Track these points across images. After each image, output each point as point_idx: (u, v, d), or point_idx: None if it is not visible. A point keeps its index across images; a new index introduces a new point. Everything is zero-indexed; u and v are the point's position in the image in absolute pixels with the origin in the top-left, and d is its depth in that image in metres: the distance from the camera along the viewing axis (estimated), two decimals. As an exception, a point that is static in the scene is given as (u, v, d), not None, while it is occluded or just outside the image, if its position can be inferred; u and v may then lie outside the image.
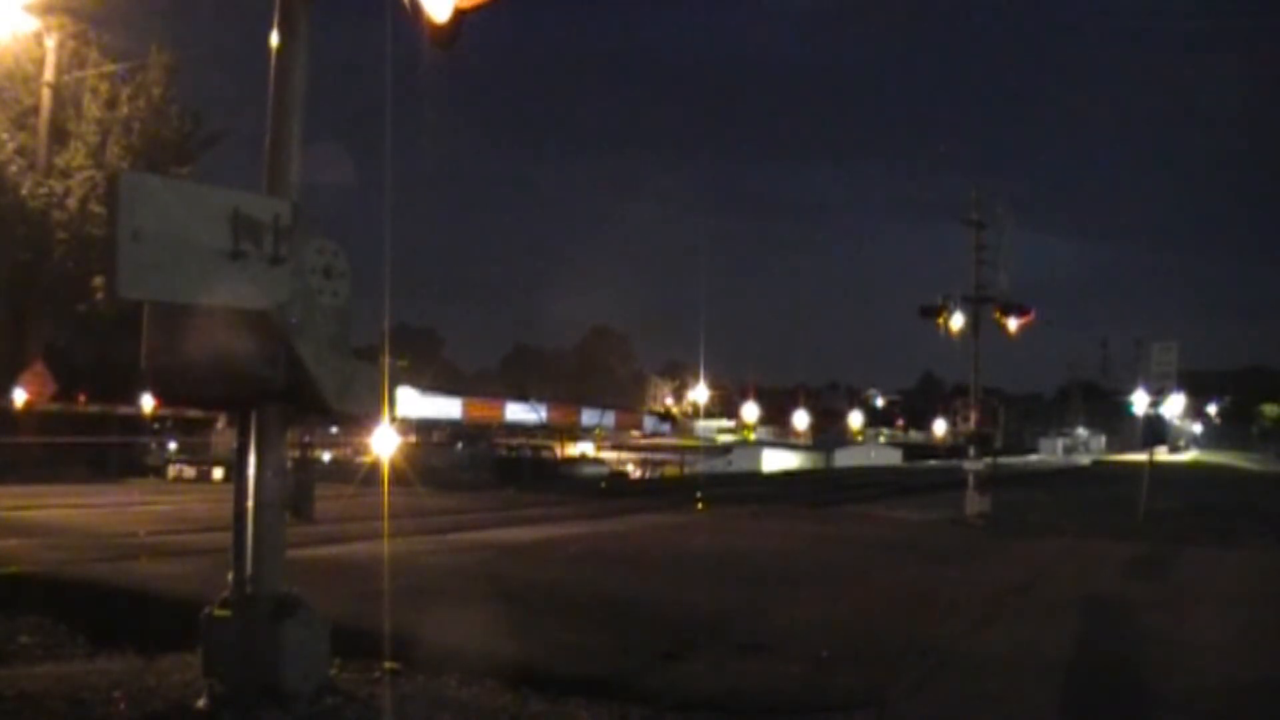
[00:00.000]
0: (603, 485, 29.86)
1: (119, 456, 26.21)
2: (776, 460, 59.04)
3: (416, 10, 4.72)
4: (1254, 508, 23.84)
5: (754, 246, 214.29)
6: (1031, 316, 20.49)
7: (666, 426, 69.76)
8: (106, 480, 23.25)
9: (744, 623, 7.92)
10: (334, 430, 34.06)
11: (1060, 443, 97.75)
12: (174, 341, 4.47)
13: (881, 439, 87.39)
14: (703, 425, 69.65)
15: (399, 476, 20.79)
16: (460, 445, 41.17)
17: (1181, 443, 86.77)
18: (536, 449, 39.28)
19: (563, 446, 45.83)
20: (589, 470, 37.54)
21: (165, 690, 5.05)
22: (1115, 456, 72.90)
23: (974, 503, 18.83)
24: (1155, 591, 10.57)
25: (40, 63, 25.04)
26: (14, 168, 24.66)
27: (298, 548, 8.24)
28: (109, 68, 26.09)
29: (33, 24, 24.28)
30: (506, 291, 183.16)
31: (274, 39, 4.69)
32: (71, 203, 24.74)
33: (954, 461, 33.09)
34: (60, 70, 25.30)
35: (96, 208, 23.70)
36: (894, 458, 67.37)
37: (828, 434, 75.52)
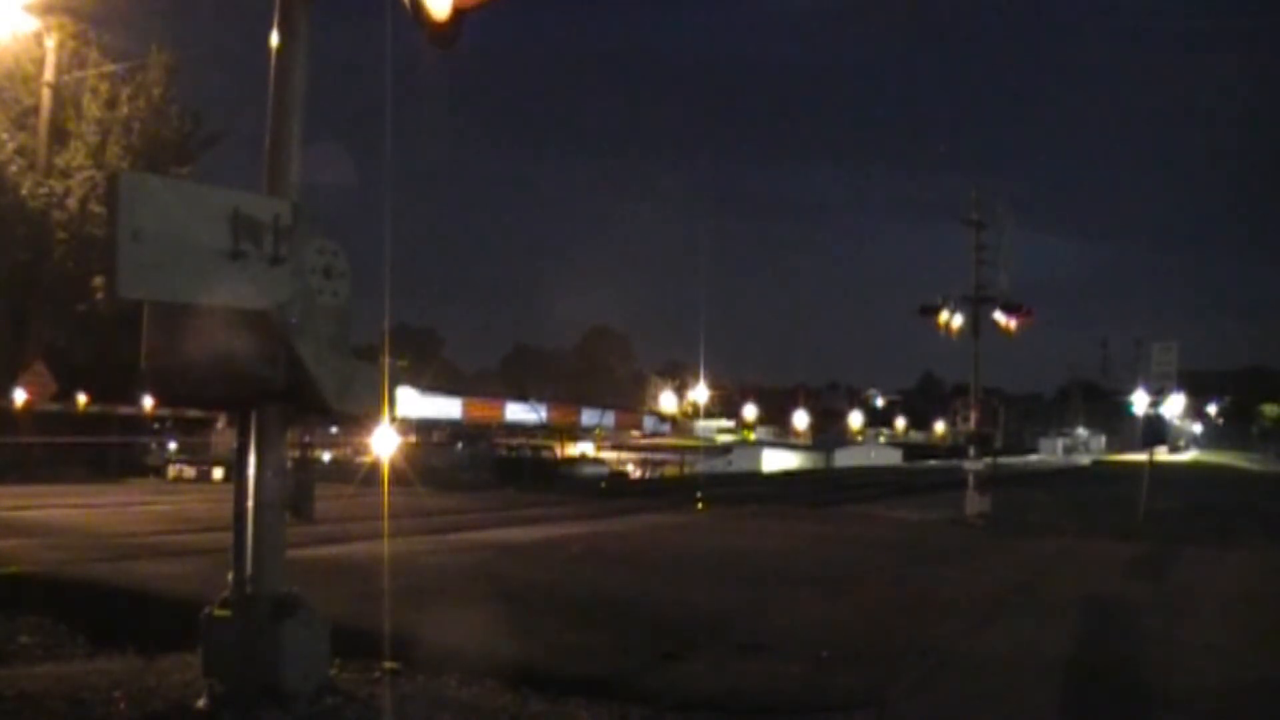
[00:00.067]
0: (602, 485, 29.85)
1: (119, 456, 26.24)
2: (776, 460, 59.09)
3: (416, 10, 4.71)
4: (1254, 508, 23.86)
5: (754, 246, 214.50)
6: (1031, 316, 20.51)
7: (666, 426, 69.80)
8: (106, 480, 23.28)
9: (744, 623, 7.92)
10: (334, 430, 34.09)
11: (1060, 443, 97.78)
12: (174, 341, 4.47)
13: (881, 439, 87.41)
14: (702, 425, 69.66)
15: (399, 476, 20.79)
16: (460, 445, 41.17)
17: (1181, 443, 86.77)
18: (536, 449, 39.27)
19: (563, 446, 45.81)
20: (589, 470, 37.51)
21: (165, 690, 5.04)
22: (1115, 456, 72.89)
23: (974, 503, 18.84)
24: (1155, 591, 10.57)
25: (40, 63, 25.03)
26: (14, 168, 24.67)
27: (298, 548, 8.23)
28: (109, 68, 26.10)
29: (33, 24, 24.27)
30: (506, 291, 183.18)
31: (274, 39, 4.69)
32: (71, 203, 24.75)
33: (954, 461, 33.13)
34: (60, 70, 25.30)
35: (96, 208, 23.71)
36: (894, 458, 67.42)
37: (828, 434, 75.61)
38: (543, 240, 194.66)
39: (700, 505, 20.52)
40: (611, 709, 5.20)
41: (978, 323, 19.94)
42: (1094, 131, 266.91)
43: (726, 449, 61.12)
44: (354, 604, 7.32)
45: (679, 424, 70.98)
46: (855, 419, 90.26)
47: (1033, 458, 77.95)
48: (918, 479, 36.78)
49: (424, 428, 45.92)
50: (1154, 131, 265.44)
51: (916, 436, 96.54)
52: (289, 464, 6.04)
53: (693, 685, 5.85)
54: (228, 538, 4.71)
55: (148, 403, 23.02)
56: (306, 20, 4.71)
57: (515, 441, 42.84)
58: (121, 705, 4.82)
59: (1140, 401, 20.20)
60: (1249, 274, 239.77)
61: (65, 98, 25.58)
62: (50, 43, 24.85)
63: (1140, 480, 19.61)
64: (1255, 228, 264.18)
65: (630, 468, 47.91)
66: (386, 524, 13.59)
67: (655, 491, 27.53)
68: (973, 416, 19.83)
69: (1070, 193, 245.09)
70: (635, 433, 64.91)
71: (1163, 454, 37.49)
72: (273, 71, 4.70)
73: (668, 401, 75.14)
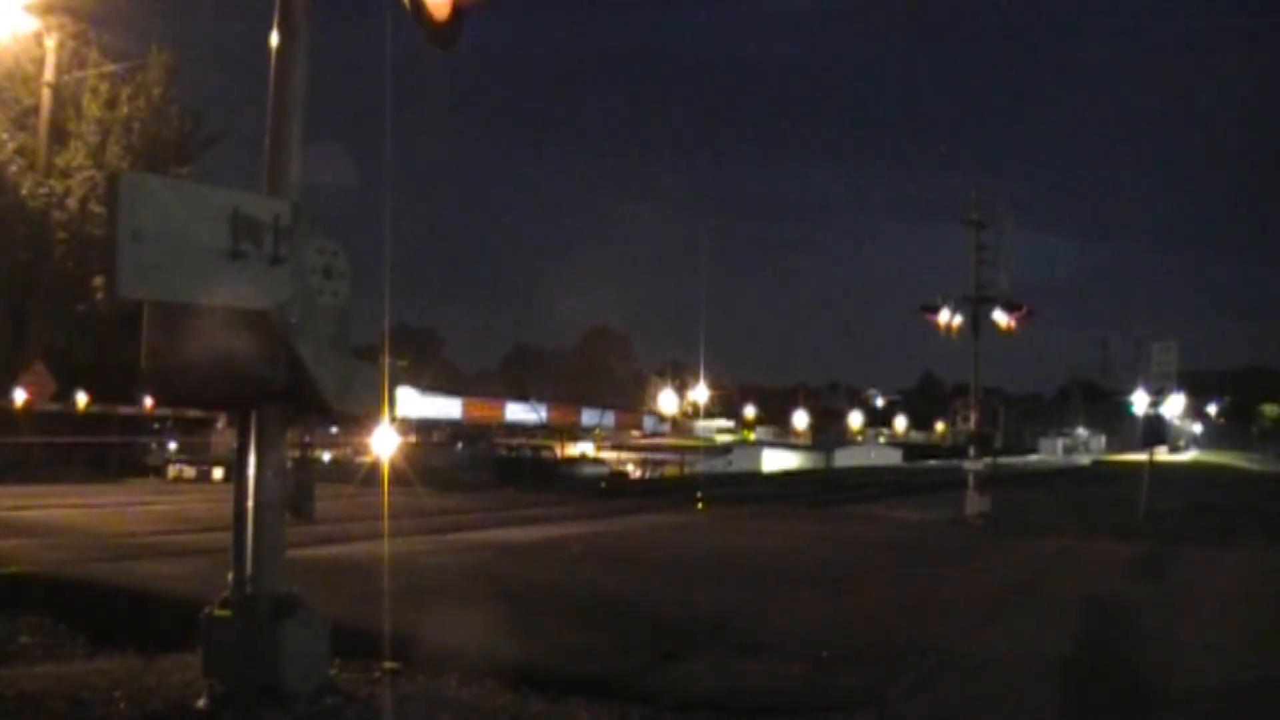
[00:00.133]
0: (602, 485, 29.86)
1: (119, 456, 26.26)
2: (776, 460, 59.13)
3: (416, 10, 4.72)
4: (1254, 508, 23.86)
5: (754, 246, 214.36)
6: (1031, 316, 20.52)
7: (666, 426, 69.79)
8: (106, 480, 23.29)
9: (744, 623, 7.92)
10: (334, 430, 34.12)
11: (1060, 443, 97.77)
12: (174, 341, 4.46)
13: (881, 439, 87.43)
14: (702, 425, 69.67)
15: (399, 476, 20.80)
16: (460, 445, 41.20)
17: (1181, 443, 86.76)
18: (536, 449, 39.27)
19: (563, 446, 45.82)
20: (589, 470, 37.53)
21: (165, 690, 5.04)
22: (1115, 456, 72.89)
23: (974, 503, 18.84)
24: (1155, 591, 10.58)
25: (40, 63, 25.06)
26: (14, 168, 24.69)
27: (298, 548, 8.23)
28: (109, 68, 26.12)
29: (33, 24, 24.31)
30: (506, 291, 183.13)
31: (274, 39, 4.69)
32: (71, 203, 24.77)
33: (954, 461, 33.14)
34: (60, 70, 25.32)
35: (96, 208, 23.73)
36: (894, 458, 67.43)
37: (827, 434, 75.67)
38: (543, 240, 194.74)
39: (700, 505, 20.52)
40: (611, 709, 5.20)
41: (978, 322, 19.94)
42: (1094, 131, 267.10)
43: (726, 449, 61.14)
44: (354, 604, 7.32)
45: (679, 424, 70.96)
46: (855, 419, 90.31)
47: (1033, 458, 77.96)
48: (918, 479, 36.79)
49: (424, 428, 45.94)
50: (1154, 131, 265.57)
51: (916, 436, 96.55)
52: (289, 464, 6.04)
53: (693, 685, 5.84)
54: (228, 538, 4.71)
55: (148, 403, 23.04)
56: (306, 20, 4.71)
57: (515, 441, 42.84)
58: (121, 705, 4.82)
59: (1140, 401, 20.21)
60: (1249, 274, 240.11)
61: (65, 98, 25.60)
62: (50, 43, 24.88)
63: (1140, 480, 19.61)
64: (1255, 228, 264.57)
65: (630, 468, 47.92)
66: (386, 524, 13.59)
67: (655, 491, 27.54)
68: (973, 416, 19.84)
69: (1070, 193, 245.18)
70: (635, 433, 64.90)
71: (1163, 454, 37.50)
72: (273, 71, 4.70)
73: (668, 401, 75.10)
